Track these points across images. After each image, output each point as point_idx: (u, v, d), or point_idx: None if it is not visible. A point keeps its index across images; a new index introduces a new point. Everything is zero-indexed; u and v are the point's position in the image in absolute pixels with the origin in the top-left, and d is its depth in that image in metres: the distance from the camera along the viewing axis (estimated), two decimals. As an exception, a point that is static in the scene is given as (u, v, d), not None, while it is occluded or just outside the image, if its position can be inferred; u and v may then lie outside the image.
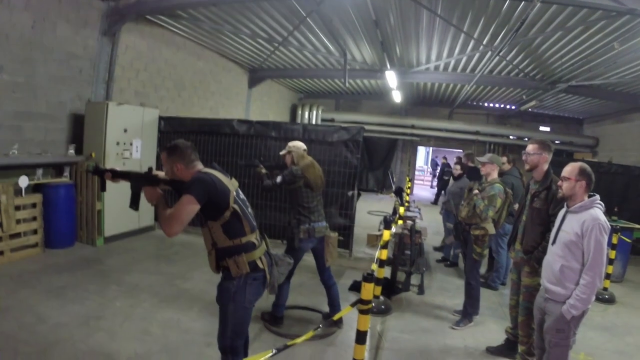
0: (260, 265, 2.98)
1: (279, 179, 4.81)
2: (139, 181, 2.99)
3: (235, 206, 2.86)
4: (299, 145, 5.03)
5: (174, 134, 9.14)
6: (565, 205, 3.58)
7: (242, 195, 3.06)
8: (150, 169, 3.01)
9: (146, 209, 8.24)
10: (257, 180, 5.15)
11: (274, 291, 3.20)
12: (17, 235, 6.62)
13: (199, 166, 2.98)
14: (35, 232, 6.91)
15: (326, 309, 5.38)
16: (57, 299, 5.25)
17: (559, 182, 3.54)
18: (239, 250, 2.88)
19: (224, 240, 2.87)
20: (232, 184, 2.94)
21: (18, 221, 6.59)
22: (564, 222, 3.50)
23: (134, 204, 3.08)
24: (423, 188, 25.43)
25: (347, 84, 13.75)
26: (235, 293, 2.91)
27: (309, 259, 5.25)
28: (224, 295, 2.97)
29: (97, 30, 8.32)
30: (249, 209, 3.07)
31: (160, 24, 9.97)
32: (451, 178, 8.77)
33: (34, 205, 6.90)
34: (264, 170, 5.03)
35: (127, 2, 8.27)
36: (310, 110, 19.20)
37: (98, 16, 8.28)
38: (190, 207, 2.69)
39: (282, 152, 5.06)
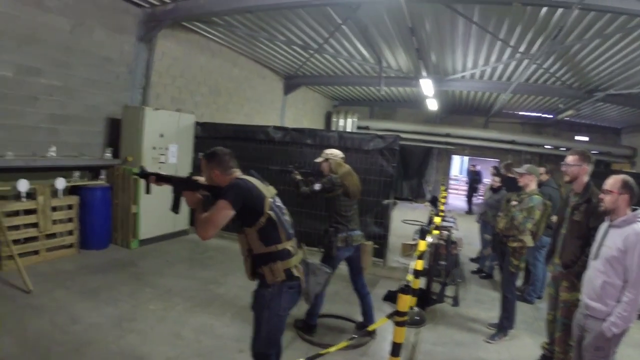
0: (296, 274, 2.95)
1: (317, 186, 4.74)
2: (180, 186, 3.06)
3: (271, 213, 2.84)
4: (336, 153, 4.97)
5: (210, 139, 9.14)
6: (607, 219, 3.40)
7: (278, 202, 3.03)
8: (190, 175, 3.09)
9: (181, 212, 8.35)
10: (292, 186, 5.05)
11: (309, 301, 3.17)
12: (52, 235, 6.69)
13: (237, 173, 2.98)
14: (70, 233, 6.97)
15: (359, 318, 5.25)
16: (91, 300, 5.26)
17: (601, 196, 3.40)
18: (274, 257, 2.85)
19: (260, 247, 2.85)
20: (268, 191, 2.92)
21: (54, 222, 6.66)
22: (606, 237, 3.34)
23: (175, 207, 3.16)
24: (458, 197, 24.97)
25: (382, 92, 13.64)
26: (270, 300, 2.88)
27: (342, 267, 5.13)
28: (259, 302, 2.94)
29: (133, 36, 8.43)
30: (286, 217, 3.03)
31: (196, 31, 10.06)
32: (489, 189, 8.51)
33: (70, 207, 6.97)
34: (299, 177, 4.98)
35: (164, 8, 8.35)
36: (345, 118, 19.07)
37: (134, 22, 8.39)
38: (224, 212, 2.71)
39: (319, 160, 4.98)
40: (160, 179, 3.14)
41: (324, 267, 3.23)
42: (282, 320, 3.00)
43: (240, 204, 2.73)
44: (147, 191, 3.30)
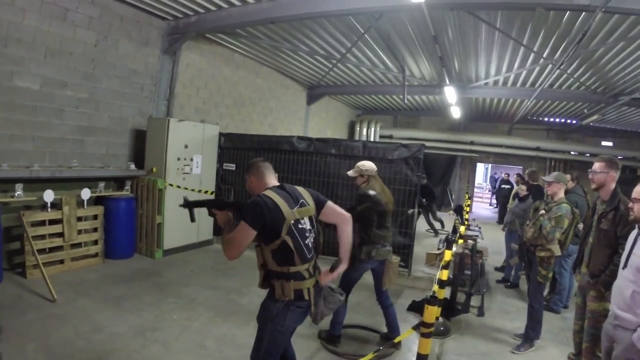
0: (306, 297, 2.87)
1: (372, 191, 4.67)
2: (210, 206, 3.09)
3: (287, 237, 2.75)
4: (370, 168, 4.84)
5: (234, 150, 9.22)
6: (637, 227, 3.26)
7: (304, 224, 2.90)
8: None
9: (204, 223, 8.43)
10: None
11: (317, 322, 3.06)
12: (78, 245, 6.78)
13: (269, 181, 3.00)
14: (95, 242, 7.06)
15: (383, 328, 5.15)
16: (114, 309, 5.28)
17: (630, 205, 3.26)
18: (287, 277, 2.81)
19: (272, 264, 2.82)
20: (292, 213, 2.80)
21: (79, 231, 6.75)
22: (635, 245, 3.18)
23: (192, 219, 3.26)
24: (482, 206, 24.68)
25: (405, 100, 13.56)
26: (276, 315, 2.84)
27: (367, 277, 5.04)
28: (265, 314, 2.92)
29: (158, 48, 8.56)
30: (308, 240, 2.91)
31: (220, 42, 10.17)
32: (516, 198, 8.37)
33: (95, 217, 7.06)
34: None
35: (187, 20, 8.44)
36: (369, 127, 19.03)
37: (159, 34, 8.53)
38: (245, 233, 2.71)
39: (353, 174, 4.89)
40: (197, 204, 3.20)
41: (336, 293, 3.13)
42: (286, 336, 2.96)
43: (261, 224, 2.70)
44: (193, 219, 3.29)
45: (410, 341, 4.95)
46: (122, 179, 7.79)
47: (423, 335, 3.35)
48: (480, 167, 28.18)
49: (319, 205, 3.09)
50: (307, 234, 2.91)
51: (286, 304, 2.82)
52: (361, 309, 6.00)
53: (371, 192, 4.65)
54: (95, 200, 7.27)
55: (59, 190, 6.57)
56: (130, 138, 8.22)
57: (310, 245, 2.92)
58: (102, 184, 7.29)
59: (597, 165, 4.01)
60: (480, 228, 9.19)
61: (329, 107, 17.74)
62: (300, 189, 3.04)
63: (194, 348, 4.54)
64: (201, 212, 3.20)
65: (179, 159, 8.09)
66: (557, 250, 5.03)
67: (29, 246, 5.86)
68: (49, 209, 6.36)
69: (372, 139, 18.33)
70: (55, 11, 6.56)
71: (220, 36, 9.72)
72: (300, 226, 2.86)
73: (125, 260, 7.41)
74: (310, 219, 2.97)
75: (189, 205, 3.21)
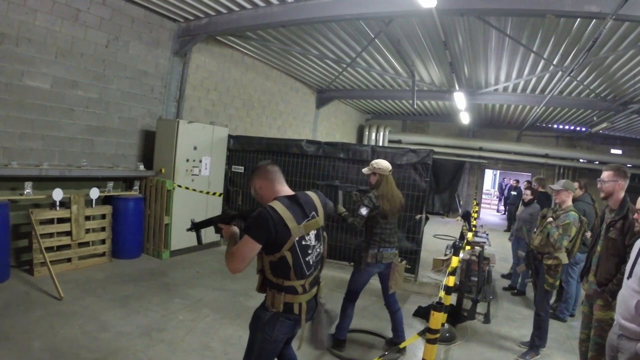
0: (296, 311, 2.79)
1: (364, 211, 4.60)
2: (216, 222, 3.09)
3: (287, 253, 2.67)
4: (384, 167, 4.76)
5: (243, 152, 9.24)
6: None
7: (307, 241, 2.81)
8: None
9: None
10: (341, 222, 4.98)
11: (320, 346, 3.07)
12: (85, 244, 6.82)
13: (280, 188, 2.87)
14: (103, 241, 7.10)
15: (389, 333, 5.13)
16: (121, 308, 5.29)
17: (635, 215, 3.24)
18: (279, 288, 2.74)
19: (269, 273, 2.75)
20: (299, 230, 2.71)
21: (87, 230, 6.79)
22: None
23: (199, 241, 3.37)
24: (490, 212, 24.57)
25: (415, 105, 13.54)
26: (265, 324, 2.77)
27: (373, 281, 5.03)
28: (255, 322, 2.84)
29: (168, 49, 8.61)
30: (310, 257, 2.83)
31: (230, 45, 10.22)
32: (521, 204, 8.35)
33: (103, 216, 7.10)
34: (345, 213, 4.90)
35: (198, 23, 8.49)
36: (377, 131, 19.03)
37: (169, 36, 8.58)
38: (249, 246, 2.60)
39: (367, 172, 4.85)
40: (205, 224, 3.20)
41: (331, 312, 3.09)
42: (274, 345, 2.86)
43: (265, 238, 2.60)
44: (200, 242, 3.33)
45: (415, 347, 4.94)
46: (131, 179, 7.83)
47: (428, 341, 3.32)
48: (489, 174, 28.11)
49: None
50: (310, 251, 2.83)
51: (274, 314, 2.76)
52: (367, 314, 5.99)
53: (373, 197, 4.64)
54: (104, 200, 7.30)
55: (68, 189, 6.61)
56: (139, 139, 8.26)
57: (311, 262, 2.84)
58: (110, 184, 7.32)
59: (605, 174, 3.99)
60: (487, 234, 9.14)
61: (338, 111, 17.76)
62: (312, 195, 2.96)
63: (200, 349, 4.53)
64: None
65: (187, 160, 8.11)
66: (564, 259, 5.03)
67: (37, 244, 5.89)
68: (58, 208, 6.39)
69: (380, 144, 18.33)
70: (66, 12, 6.62)
71: (231, 39, 9.76)
72: (303, 243, 2.77)
73: (133, 260, 7.43)
74: (317, 232, 2.90)
75: (197, 227, 3.22)
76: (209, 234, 8.57)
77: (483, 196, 23.62)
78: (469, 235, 7.61)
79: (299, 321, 2.82)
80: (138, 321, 5.00)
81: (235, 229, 2.97)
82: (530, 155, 17.91)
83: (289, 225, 2.64)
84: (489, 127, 19.35)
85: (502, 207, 23.67)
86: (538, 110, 13.57)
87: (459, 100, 12.09)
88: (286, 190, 2.88)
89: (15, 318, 4.68)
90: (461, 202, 19.57)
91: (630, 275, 3.17)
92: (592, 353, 3.94)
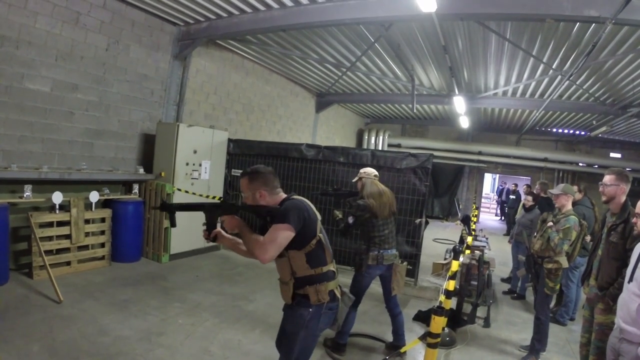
0: (338, 295, 2.89)
1: (351, 219, 4.73)
2: (215, 212, 2.86)
3: (321, 235, 2.80)
4: (369, 172, 4.93)
5: (243, 156, 9.24)
6: None
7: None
8: (222, 199, 2.97)
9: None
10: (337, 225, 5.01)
11: (336, 327, 3.05)
12: (85, 247, 6.80)
13: (282, 192, 2.92)
14: (102, 245, 7.07)
15: (389, 337, 5.13)
16: (120, 312, 5.27)
17: (634, 220, 3.25)
18: (320, 279, 2.79)
19: (305, 270, 2.76)
20: (318, 214, 2.87)
21: (87, 234, 6.77)
22: None
23: (211, 238, 2.92)
24: (489, 216, 24.57)
25: (414, 110, 13.55)
26: (309, 320, 2.79)
27: (373, 285, 5.02)
28: (297, 321, 2.82)
29: (168, 53, 8.61)
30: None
31: (230, 48, 10.23)
32: (522, 208, 8.35)
33: (103, 220, 7.08)
34: (340, 215, 4.94)
35: (198, 26, 8.50)
36: (377, 135, 19.03)
37: (170, 40, 8.58)
38: (287, 233, 2.62)
39: (355, 179, 4.99)
40: (187, 208, 2.98)
41: (346, 293, 3.12)
42: (316, 340, 2.93)
43: (301, 226, 2.66)
44: (173, 224, 2.98)
45: (415, 351, 4.92)
46: (131, 182, 7.80)
47: (429, 345, 3.34)
48: (488, 178, 28.09)
49: None
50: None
51: (317, 308, 2.79)
52: (367, 318, 5.98)
53: (360, 202, 4.73)
54: (104, 203, 7.28)
55: (68, 192, 6.59)
56: (139, 142, 8.25)
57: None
58: (110, 187, 7.30)
59: (607, 178, 4.00)
60: (487, 239, 9.14)
61: (337, 115, 17.76)
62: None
63: (199, 353, 4.51)
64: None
65: (187, 164, 8.11)
66: (564, 263, 5.02)
67: (36, 247, 5.88)
68: (57, 211, 6.38)
69: (380, 148, 18.34)
70: (67, 15, 6.62)
71: (231, 42, 9.77)
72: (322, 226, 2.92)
73: (132, 264, 7.40)
74: None
75: (166, 208, 2.93)
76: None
77: (482, 200, 23.60)
78: (469, 239, 7.60)
79: (337, 309, 2.91)
80: (137, 325, 4.98)
81: (241, 219, 2.88)
82: (529, 159, 17.88)
83: (314, 209, 2.83)
84: (488, 131, 19.35)
85: (499, 212, 23.58)
86: (537, 114, 13.56)
87: (459, 104, 12.11)
88: (282, 194, 2.93)
89: (14, 321, 4.66)
90: (460, 206, 19.59)
91: (631, 279, 3.17)
92: (593, 357, 3.93)
